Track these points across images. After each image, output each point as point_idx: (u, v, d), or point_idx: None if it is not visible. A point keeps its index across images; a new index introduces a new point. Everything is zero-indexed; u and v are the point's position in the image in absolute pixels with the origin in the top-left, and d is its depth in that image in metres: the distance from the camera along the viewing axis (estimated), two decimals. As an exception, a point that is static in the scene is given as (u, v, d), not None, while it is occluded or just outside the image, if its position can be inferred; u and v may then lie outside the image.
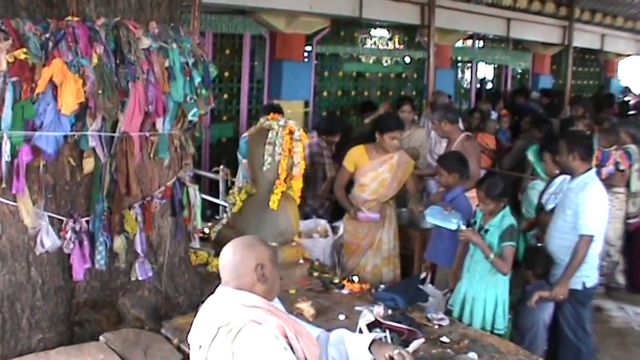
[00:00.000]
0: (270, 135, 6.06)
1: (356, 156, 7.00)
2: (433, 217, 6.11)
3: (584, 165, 5.86)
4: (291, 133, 6.06)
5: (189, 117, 5.06)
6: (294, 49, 10.62)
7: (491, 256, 5.53)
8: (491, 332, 5.54)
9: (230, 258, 3.19)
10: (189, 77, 4.98)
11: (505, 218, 5.63)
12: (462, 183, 6.55)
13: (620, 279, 8.95)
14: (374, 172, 6.92)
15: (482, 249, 5.58)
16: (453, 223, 5.86)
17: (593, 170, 5.95)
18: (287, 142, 6.03)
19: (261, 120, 6.34)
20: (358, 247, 7.01)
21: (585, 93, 18.05)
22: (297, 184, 6.23)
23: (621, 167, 8.59)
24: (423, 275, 6.58)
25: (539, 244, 6.33)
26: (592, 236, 5.66)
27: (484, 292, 5.69)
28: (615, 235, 8.62)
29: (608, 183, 8.46)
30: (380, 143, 6.88)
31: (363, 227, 6.98)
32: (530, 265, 6.03)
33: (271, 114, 6.41)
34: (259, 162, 6.12)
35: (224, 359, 2.99)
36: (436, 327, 5.16)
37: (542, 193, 7.03)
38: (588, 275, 5.82)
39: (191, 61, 5.01)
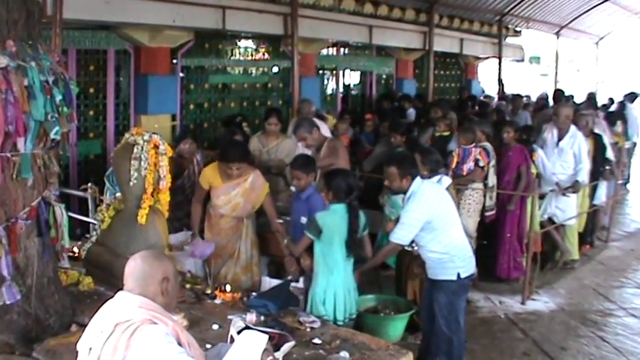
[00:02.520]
0: (135, 150, 6.09)
1: (209, 176, 7.09)
2: None
3: (411, 181, 6.14)
4: (156, 147, 6.10)
5: (52, 135, 5.02)
6: (159, 63, 10.57)
7: (285, 240, 6.40)
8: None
9: (139, 267, 3.32)
10: (50, 95, 4.95)
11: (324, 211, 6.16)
12: (312, 181, 6.75)
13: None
14: (226, 195, 7.01)
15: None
16: None
17: (418, 180, 6.19)
18: (152, 157, 6.07)
19: (126, 135, 6.35)
20: (219, 257, 7.12)
21: (448, 95, 18.75)
22: (165, 198, 6.28)
23: (481, 164, 9.03)
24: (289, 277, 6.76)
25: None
26: (395, 244, 6.18)
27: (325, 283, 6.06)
28: (473, 227, 9.01)
29: (469, 179, 8.91)
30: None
31: (222, 238, 7.10)
32: None
33: (135, 129, 6.41)
34: (126, 177, 6.14)
35: (118, 355, 3.08)
36: (308, 329, 5.31)
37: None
38: (462, 266, 6.09)
39: (51, 79, 4.98)
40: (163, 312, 3.28)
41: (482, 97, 18.36)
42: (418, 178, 6.15)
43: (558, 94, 15.22)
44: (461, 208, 8.77)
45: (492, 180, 9.26)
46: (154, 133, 6.31)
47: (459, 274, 6.06)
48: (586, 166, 9.92)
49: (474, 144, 9.13)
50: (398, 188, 6.19)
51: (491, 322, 8.25)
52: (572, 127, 9.96)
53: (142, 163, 6.06)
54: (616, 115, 14.46)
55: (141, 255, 3.40)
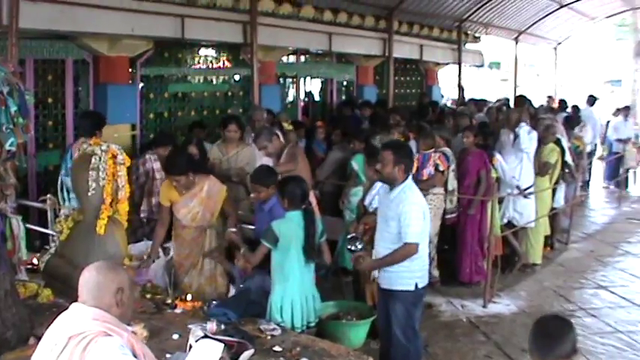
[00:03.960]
0: (93, 160, 6.05)
1: (167, 192, 7.02)
2: None
3: (404, 176, 6.02)
4: (114, 157, 6.07)
5: (7, 147, 4.99)
6: (118, 73, 10.51)
7: (242, 249, 6.27)
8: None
9: (93, 278, 3.29)
10: (5, 106, 4.92)
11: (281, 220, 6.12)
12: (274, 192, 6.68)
13: (435, 272, 9.45)
14: (185, 208, 6.94)
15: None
16: None
17: (410, 179, 6.11)
18: (111, 167, 6.04)
19: (84, 146, 6.30)
20: (182, 266, 7.06)
21: (408, 101, 18.84)
22: (124, 208, 6.25)
23: (441, 168, 9.13)
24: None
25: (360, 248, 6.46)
26: (417, 244, 5.90)
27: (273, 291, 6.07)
28: (434, 232, 9.09)
29: (429, 183, 8.99)
30: None
31: (185, 248, 7.04)
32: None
33: (93, 139, 6.38)
34: (84, 188, 6.09)
35: None
36: (269, 337, 5.32)
37: (364, 196, 7.35)
38: (420, 276, 6.05)
39: (6, 89, 4.95)
40: (118, 323, 3.26)
41: (449, 103, 18.53)
42: (410, 179, 6.09)
43: (520, 99, 15.37)
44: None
45: (453, 184, 9.38)
46: (112, 143, 6.29)
47: (416, 285, 6.02)
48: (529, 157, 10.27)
49: (433, 149, 9.21)
50: (388, 175, 6.00)
51: (453, 325, 8.31)
52: (525, 127, 10.17)
53: (100, 173, 6.02)
54: (575, 119, 14.63)
55: (95, 266, 3.37)
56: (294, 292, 6.02)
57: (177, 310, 5.91)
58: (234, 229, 6.73)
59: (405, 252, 5.91)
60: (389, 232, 6.00)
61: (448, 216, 9.42)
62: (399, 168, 5.95)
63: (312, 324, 6.18)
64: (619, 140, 17.46)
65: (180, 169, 6.77)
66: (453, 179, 9.39)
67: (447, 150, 9.42)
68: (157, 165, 8.56)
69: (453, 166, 9.36)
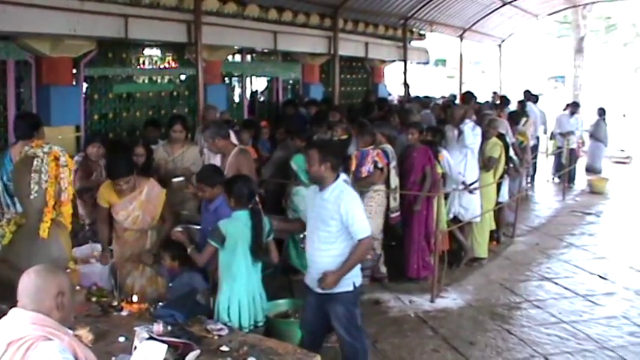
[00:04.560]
0: (35, 163, 5.96)
1: (106, 194, 7.01)
2: None
3: (334, 174, 5.96)
4: (56, 159, 5.99)
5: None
6: (61, 74, 10.37)
7: (189, 249, 6.19)
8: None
9: (32, 282, 3.25)
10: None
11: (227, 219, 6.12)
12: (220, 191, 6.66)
13: (383, 269, 9.59)
14: (125, 210, 6.93)
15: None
16: None
17: (341, 178, 6.05)
18: (53, 169, 5.96)
19: (25, 148, 6.21)
20: (124, 268, 7.03)
21: (355, 99, 18.92)
22: (67, 210, 6.17)
23: (379, 165, 9.20)
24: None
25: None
26: (370, 236, 5.98)
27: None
28: (378, 229, 9.15)
29: (368, 181, 9.03)
30: None
31: (126, 249, 7.01)
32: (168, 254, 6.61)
33: (35, 141, 6.27)
34: (26, 191, 6.00)
35: None
36: (216, 337, 5.30)
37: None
38: (357, 275, 6.07)
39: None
40: (59, 327, 3.22)
41: (395, 100, 18.64)
42: (342, 177, 6.05)
43: (466, 96, 15.48)
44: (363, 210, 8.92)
45: (395, 181, 9.41)
46: (54, 144, 6.20)
47: (354, 284, 6.02)
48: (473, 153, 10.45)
49: (372, 146, 9.25)
50: (314, 173, 5.95)
51: (401, 321, 8.39)
52: (469, 123, 10.30)
53: (43, 175, 5.93)
54: (519, 114, 14.80)
55: (34, 270, 3.33)
56: (241, 291, 6.02)
57: (124, 313, 5.86)
58: (179, 229, 6.69)
59: (364, 248, 5.97)
60: (328, 232, 5.93)
61: (392, 215, 9.46)
62: (325, 166, 5.87)
63: (260, 323, 6.19)
64: (560, 134, 17.92)
65: (122, 173, 6.74)
66: (395, 176, 9.43)
67: (387, 147, 9.45)
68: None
69: (394, 163, 9.39)
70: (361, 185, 9.00)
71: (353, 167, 9.18)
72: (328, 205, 5.90)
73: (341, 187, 5.95)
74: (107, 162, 7.23)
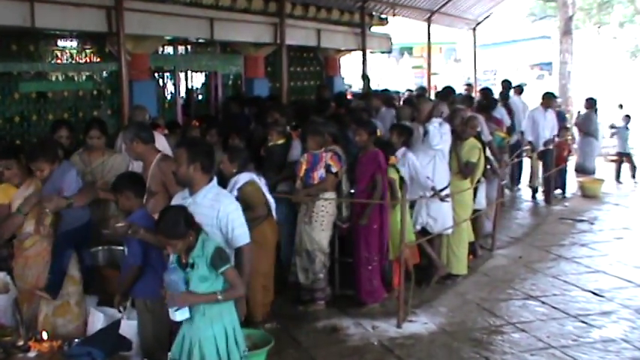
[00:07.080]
0: None
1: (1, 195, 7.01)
2: None
3: (205, 177, 6.12)
4: None
5: None
6: (-47, 70, 10.23)
7: (219, 297, 5.69)
8: None
9: None
10: None
11: (206, 243, 5.73)
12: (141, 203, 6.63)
13: (328, 289, 9.57)
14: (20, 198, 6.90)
15: (207, 301, 5.71)
16: None
17: (215, 182, 6.23)
18: None
19: None
20: (28, 293, 6.86)
21: (306, 95, 18.91)
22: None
23: (333, 170, 9.15)
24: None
25: None
26: (250, 242, 6.17)
27: (211, 328, 5.79)
28: (327, 242, 9.23)
29: (320, 188, 9.01)
30: None
31: (31, 269, 6.88)
32: None
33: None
34: None
35: None
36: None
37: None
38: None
39: None
40: None
41: (349, 95, 18.62)
42: (215, 180, 6.20)
43: (447, 92, 15.27)
44: (313, 220, 8.90)
45: (346, 186, 9.44)
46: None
47: None
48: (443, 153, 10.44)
49: (323, 148, 9.23)
50: (182, 175, 6.10)
51: (363, 350, 8.33)
52: (435, 121, 10.28)
53: None
54: (489, 103, 14.73)
55: None
56: (234, 322, 5.95)
57: (31, 354, 5.79)
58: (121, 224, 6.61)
59: (251, 255, 6.22)
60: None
61: (344, 225, 9.47)
62: (195, 167, 6.05)
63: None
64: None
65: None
66: (346, 181, 9.46)
67: (337, 149, 9.46)
68: None
69: (344, 167, 9.42)
70: (312, 193, 9.00)
71: (302, 172, 9.16)
72: (204, 211, 5.99)
73: (216, 190, 6.15)
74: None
